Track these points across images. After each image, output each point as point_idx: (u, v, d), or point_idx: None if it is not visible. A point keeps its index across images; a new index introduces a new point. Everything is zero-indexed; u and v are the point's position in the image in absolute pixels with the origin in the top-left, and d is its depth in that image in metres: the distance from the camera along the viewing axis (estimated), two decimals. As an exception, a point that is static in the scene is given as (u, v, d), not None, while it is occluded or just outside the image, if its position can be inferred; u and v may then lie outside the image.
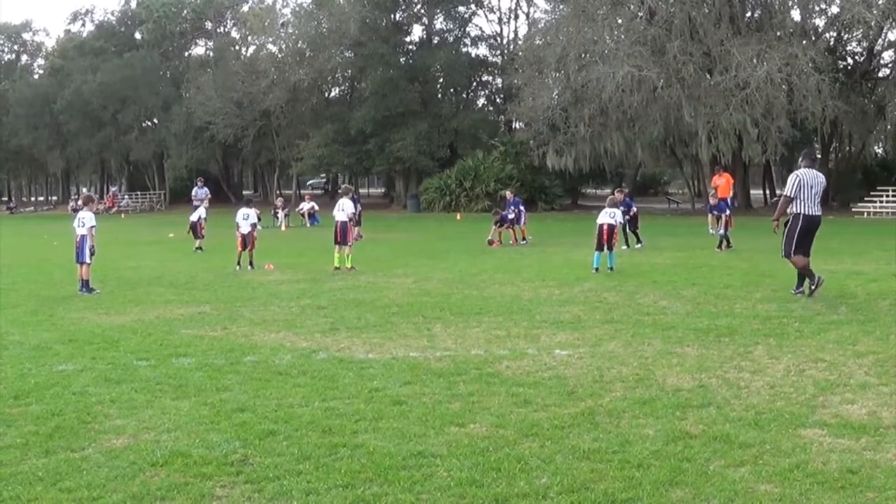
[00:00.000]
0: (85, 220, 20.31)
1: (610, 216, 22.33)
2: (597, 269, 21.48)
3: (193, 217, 32.46)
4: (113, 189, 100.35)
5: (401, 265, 24.59)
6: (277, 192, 78.03)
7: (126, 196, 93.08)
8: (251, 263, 24.70)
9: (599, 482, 6.93)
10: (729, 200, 32.02)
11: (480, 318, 14.94)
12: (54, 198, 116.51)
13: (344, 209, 24.25)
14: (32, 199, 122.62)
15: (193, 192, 46.32)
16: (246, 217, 25.31)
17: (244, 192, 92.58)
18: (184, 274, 23.72)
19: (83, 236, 20.09)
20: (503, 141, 64.24)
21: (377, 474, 7.18)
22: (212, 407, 9.37)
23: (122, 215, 74.63)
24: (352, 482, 7.05)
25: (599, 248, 21.88)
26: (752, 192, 61.15)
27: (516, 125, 69.83)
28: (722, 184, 34.10)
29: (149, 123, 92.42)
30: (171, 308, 17.16)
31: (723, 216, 27.75)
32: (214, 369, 11.22)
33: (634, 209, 29.13)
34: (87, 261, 19.99)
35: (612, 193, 28.45)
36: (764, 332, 12.95)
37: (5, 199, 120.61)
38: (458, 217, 52.51)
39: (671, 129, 50.93)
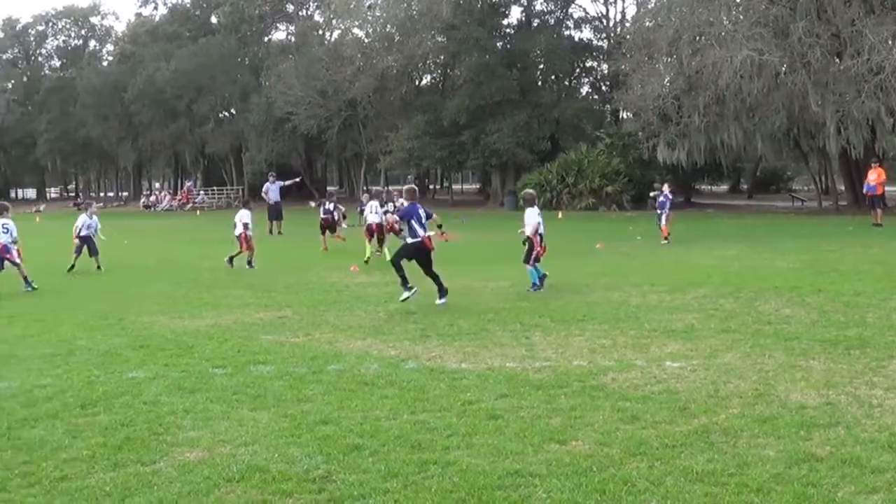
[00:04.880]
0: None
1: (537, 219, 20.24)
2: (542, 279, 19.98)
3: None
4: (188, 184, 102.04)
5: (496, 268, 24.60)
6: (364, 187, 78.54)
7: (201, 191, 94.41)
8: (249, 263, 26.53)
9: (714, 507, 6.88)
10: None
11: (584, 325, 14.88)
12: (125, 193, 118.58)
13: (376, 211, 28.65)
14: (102, 194, 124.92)
15: (265, 189, 46.25)
16: (240, 220, 27.07)
17: (328, 188, 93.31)
18: (263, 275, 24.00)
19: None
20: (609, 132, 63.85)
21: (470, 494, 7.19)
22: (292, 419, 9.47)
23: (198, 212, 75.82)
24: (442, 502, 7.08)
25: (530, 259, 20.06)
26: (888, 188, 59.96)
27: (624, 115, 69.42)
28: (872, 179, 35.39)
29: (226, 114, 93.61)
30: (249, 312, 17.38)
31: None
32: (296, 378, 11.34)
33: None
34: None
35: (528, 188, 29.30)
36: (900, 344, 12.70)
37: (72, 194, 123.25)
38: (560, 216, 52.33)
39: (795, 120, 50.01)
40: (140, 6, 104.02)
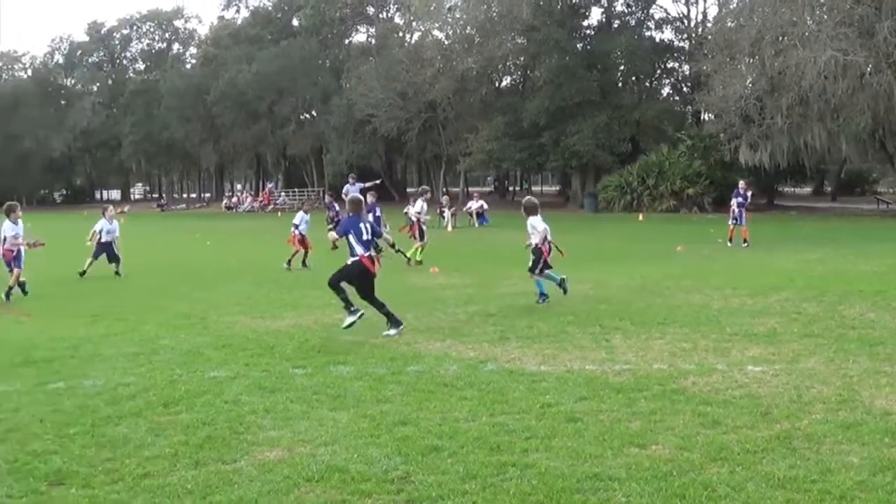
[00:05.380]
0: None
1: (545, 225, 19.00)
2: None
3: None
4: (269, 185, 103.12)
5: (577, 270, 24.51)
6: (444, 189, 78.69)
7: (283, 193, 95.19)
8: (289, 263, 27.64)
9: (797, 514, 6.80)
10: None
11: (664, 328, 14.78)
12: (207, 194, 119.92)
13: (419, 210, 29.21)
14: (184, 195, 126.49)
15: (345, 190, 46.24)
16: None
17: (408, 190, 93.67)
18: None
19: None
20: (690, 134, 63.44)
21: (549, 497, 7.17)
22: (371, 419, 9.52)
23: (279, 213, 76.35)
24: (521, 505, 7.07)
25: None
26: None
27: (705, 116, 68.91)
28: None
29: (307, 116, 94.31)
30: (329, 312, 17.44)
31: None
32: (375, 379, 11.39)
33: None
34: None
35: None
36: None
37: (156, 195, 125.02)
38: (641, 218, 52.10)
39: (881, 121, 49.36)
40: (223, 9, 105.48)
